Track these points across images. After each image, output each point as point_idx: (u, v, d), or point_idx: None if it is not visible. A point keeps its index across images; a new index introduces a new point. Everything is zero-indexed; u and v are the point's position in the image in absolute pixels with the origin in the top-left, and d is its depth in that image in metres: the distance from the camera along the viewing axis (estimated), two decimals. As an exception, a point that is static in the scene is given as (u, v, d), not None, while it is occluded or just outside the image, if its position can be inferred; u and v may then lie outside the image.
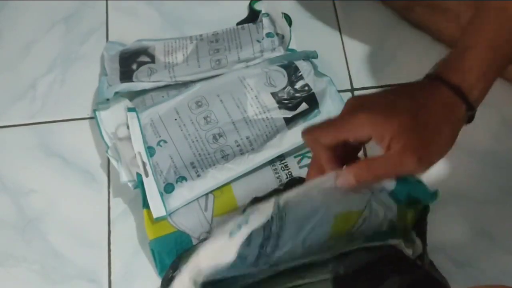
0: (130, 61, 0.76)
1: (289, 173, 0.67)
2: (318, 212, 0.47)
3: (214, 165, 0.66)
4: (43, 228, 0.71)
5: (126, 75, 0.74)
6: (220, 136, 0.68)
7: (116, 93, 0.71)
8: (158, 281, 0.63)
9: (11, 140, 0.76)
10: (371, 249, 0.49)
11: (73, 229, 0.71)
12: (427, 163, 0.46)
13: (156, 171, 0.66)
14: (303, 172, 0.67)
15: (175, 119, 0.69)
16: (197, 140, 0.68)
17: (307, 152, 0.68)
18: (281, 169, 0.67)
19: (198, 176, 0.66)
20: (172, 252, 0.63)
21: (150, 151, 0.67)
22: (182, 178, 0.66)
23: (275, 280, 0.51)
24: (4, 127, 0.77)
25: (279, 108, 0.70)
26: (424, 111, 0.46)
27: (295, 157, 0.68)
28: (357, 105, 0.48)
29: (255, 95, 0.71)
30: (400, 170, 0.46)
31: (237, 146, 0.68)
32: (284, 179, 0.67)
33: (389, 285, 0.47)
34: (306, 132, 0.50)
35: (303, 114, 0.69)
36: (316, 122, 0.50)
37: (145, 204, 0.65)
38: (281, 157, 0.68)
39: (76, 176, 0.73)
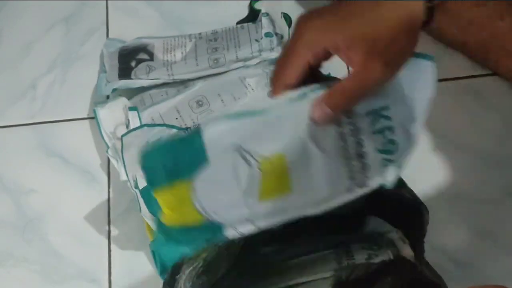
0: (129, 58, 0.76)
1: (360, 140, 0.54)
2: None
3: None
4: (43, 228, 0.71)
5: (124, 72, 0.74)
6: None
7: (114, 90, 0.71)
8: (158, 281, 0.63)
9: (11, 140, 0.76)
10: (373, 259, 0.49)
11: (73, 229, 0.71)
12: (394, 68, 0.44)
13: None
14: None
15: (176, 118, 0.69)
16: None
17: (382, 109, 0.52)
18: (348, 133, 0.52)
19: None
20: (172, 252, 0.63)
21: None
22: None
23: (276, 277, 0.51)
24: (4, 127, 0.77)
25: None
26: (378, 12, 0.43)
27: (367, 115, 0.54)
28: (305, 20, 0.44)
29: (255, 95, 0.71)
30: (370, 80, 0.43)
31: None
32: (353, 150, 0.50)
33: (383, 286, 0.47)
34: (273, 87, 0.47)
35: None
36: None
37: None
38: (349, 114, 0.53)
39: (76, 176, 0.73)
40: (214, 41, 0.77)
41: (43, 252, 0.70)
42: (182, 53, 0.75)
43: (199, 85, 0.72)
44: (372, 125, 0.47)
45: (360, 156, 0.46)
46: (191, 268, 0.56)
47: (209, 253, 0.57)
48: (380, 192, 0.51)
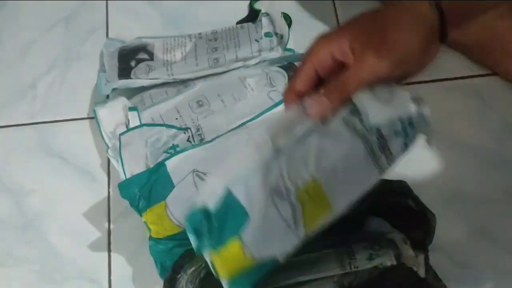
0: (129, 58, 0.76)
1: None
2: None
3: None
4: (43, 228, 0.71)
5: (124, 72, 0.74)
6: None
7: (114, 89, 0.71)
8: (158, 281, 0.63)
9: (11, 140, 0.76)
10: (376, 266, 0.49)
11: (73, 229, 0.71)
12: (389, 57, 0.44)
13: None
14: None
15: (176, 118, 0.69)
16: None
17: None
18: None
19: None
20: (172, 254, 0.63)
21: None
22: None
23: (282, 274, 0.51)
24: (4, 127, 0.77)
25: None
26: (380, 15, 0.46)
27: None
28: (318, 36, 0.47)
29: (255, 95, 0.71)
30: (364, 72, 0.44)
31: None
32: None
33: None
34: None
35: None
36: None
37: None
38: None
39: (76, 176, 0.73)
40: (214, 41, 0.77)
41: (43, 252, 0.70)
42: (182, 53, 0.75)
43: (199, 85, 0.72)
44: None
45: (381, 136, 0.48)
46: (193, 268, 0.56)
47: None
48: (384, 200, 0.51)
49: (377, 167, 0.48)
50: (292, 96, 0.48)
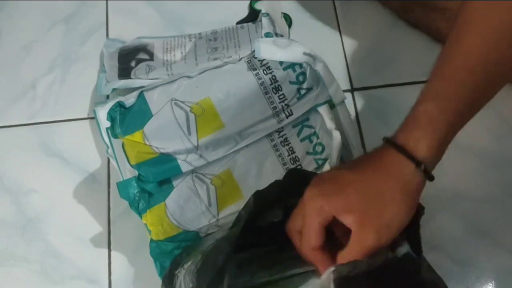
0: (129, 58, 0.76)
1: (290, 148, 0.66)
2: None
3: None
4: (43, 228, 0.71)
5: (124, 72, 0.74)
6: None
7: (114, 89, 0.71)
8: (158, 281, 0.63)
9: (11, 140, 0.76)
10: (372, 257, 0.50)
11: (73, 229, 0.71)
12: (388, 235, 0.47)
13: None
14: (304, 147, 0.66)
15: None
16: None
17: (305, 120, 0.67)
18: (280, 144, 0.66)
19: None
20: (173, 255, 0.63)
21: None
22: None
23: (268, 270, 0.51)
24: (4, 127, 0.77)
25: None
26: (372, 182, 0.47)
27: (293, 126, 0.67)
28: (314, 188, 0.49)
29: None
30: (365, 250, 0.47)
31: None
32: (286, 156, 0.66)
33: None
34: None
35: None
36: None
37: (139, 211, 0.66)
38: (279, 129, 0.66)
39: (76, 176, 0.73)
40: (214, 41, 0.77)
41: (43, 252, 0.70)
42: (182, 53, 0.75)
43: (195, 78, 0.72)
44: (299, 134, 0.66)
45: (294, 159, 0.66)
46: (190, 262, 0.56)
47: (207, 247, 0.57)
48: None
49: (269, 104, 0.64)
50: (313, 254, 0.50)
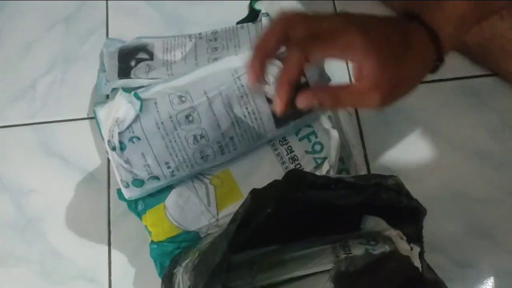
0: (129, 58, 0.76)
1: (289, 147, 0.66)
2: None
3: (192, 166, 0.64)
4: (43, 228, 0.71)
5: (124, 71, 0.74)
6: (202, 137, 0.63)
7: (114, 89, 0.71)
8: (158, 281, 0.63)
9: (11, 140, 0.76)
10: (371, 251, 0.50)
11: (73, 229, 0.71)
12: (388, 104, 0.45)
13: (126, 167, 0.63)
14: (302, 146, 0.66)
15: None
16: (175, 141, 0.63)
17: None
18: (279, 143, 0.67)
19: (173, 176, 0.64)
20: (173, 254, 0.63)
21: (121, 145, 0.63)
22: (155, 178, 0.63)
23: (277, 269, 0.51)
24: (4, 127, 0.77)
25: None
26: (406, 55, 0.45)
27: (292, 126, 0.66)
28: (350, 22, 0.45)
29: (245, 93, 0.64)
30: (363, 104, 0.45)
31: (219, 147, 0.64)
32: (285, 155, 0.66)
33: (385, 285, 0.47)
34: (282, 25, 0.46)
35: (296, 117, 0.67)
36: (295, 14, 0.47)
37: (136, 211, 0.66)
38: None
39: (76, 176, 0.73)
40: (214, 41, 0.76)
41: (43, 252, 0.70)
42: (181, 52, 0.75)
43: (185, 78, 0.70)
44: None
45: (293, 158, 0.66)
46: (188, 260, 0.56)
47: (204, 245, 0.57)
48: (378, 198, 0.51)
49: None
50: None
